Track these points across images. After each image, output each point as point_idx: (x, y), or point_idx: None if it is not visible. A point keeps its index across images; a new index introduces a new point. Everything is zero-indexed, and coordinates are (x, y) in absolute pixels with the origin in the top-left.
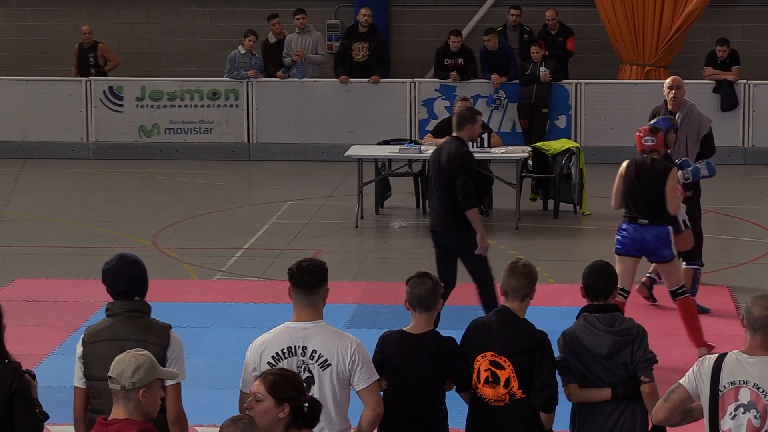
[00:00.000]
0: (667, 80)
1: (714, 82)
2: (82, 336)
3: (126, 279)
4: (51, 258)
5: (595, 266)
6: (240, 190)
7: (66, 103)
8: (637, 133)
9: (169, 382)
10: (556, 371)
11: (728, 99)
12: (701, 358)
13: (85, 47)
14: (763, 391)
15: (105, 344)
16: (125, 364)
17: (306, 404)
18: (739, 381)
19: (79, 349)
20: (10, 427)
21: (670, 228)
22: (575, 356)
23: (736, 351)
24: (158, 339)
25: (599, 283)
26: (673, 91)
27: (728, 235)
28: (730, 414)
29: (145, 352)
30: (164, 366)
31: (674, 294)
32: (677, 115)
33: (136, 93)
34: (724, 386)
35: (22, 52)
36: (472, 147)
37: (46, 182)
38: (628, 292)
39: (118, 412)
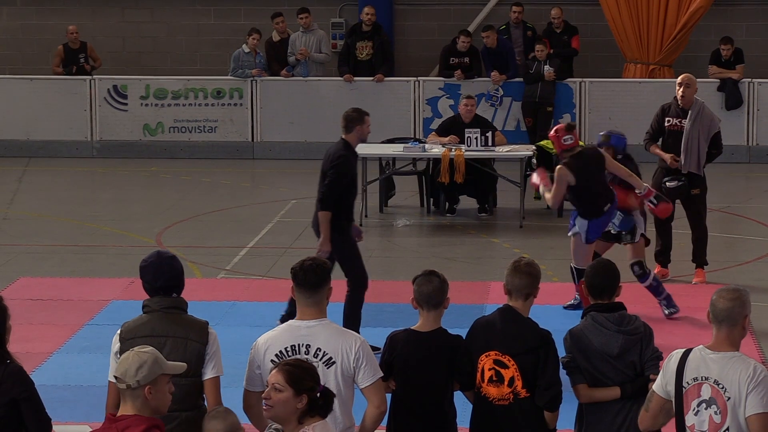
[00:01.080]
0: (680, 77)
1: (718, 80)
2: (119, 332)
3: (165, 275)
4: (55, 257)
5: (598, 264)
6: (244, 188)
7: (70, 101)
8: (553, 133)
9: (206, 377)
10: (564, 371)
11: (733, 97)
12: (669, 355)
13: (72, 48)
14: (723, 388)
15: (144, 340)
16: (129, 362)
17: (319, 394)
18: (701, 377)
19: (116, 345)
20: (10, 430)
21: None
22: (583, 356)
23: (701, 346)
24: (198, 336)
25: (604, 281)
26: (682, 89)
27: (733, 234)
28: (693, 410)
29: (148, 348)
30: (203, 362)
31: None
32: (689, 113)
33: (141, 92)
34: (687, 382)
35: (26, 50)
36: (477, 145)
37: (50, 181)
38: None
39: (126, 409)
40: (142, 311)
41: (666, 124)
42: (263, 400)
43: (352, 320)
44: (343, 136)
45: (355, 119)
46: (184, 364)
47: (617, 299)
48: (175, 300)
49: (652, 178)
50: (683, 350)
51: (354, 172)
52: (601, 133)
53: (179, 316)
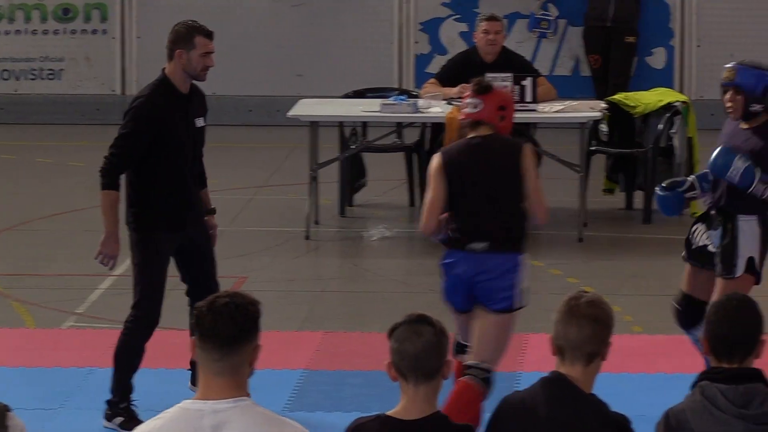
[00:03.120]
0: None
1: None
2: None
3: None
4: None
5: (728, 304)
6: None
7: None
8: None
9: None
10: None
11: None
12: None
13: None
14: None
15: None
16: None
17: None
18: None
19: None
20: None
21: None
22: None
23: None
24: None
25: (735, 331)
26: None
27: None
28: None
29: None
30: None
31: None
32: None
33: None
34: None
35: None
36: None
37: None
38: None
39: None
40: None
41: None
42: None
43: (116, 369)
44: (164, 68)
45: (181, 38)
46: None
47: (756, 361)
48: None
49: None
50: None
51: (181, 132)
52: (727, 66)
53: None
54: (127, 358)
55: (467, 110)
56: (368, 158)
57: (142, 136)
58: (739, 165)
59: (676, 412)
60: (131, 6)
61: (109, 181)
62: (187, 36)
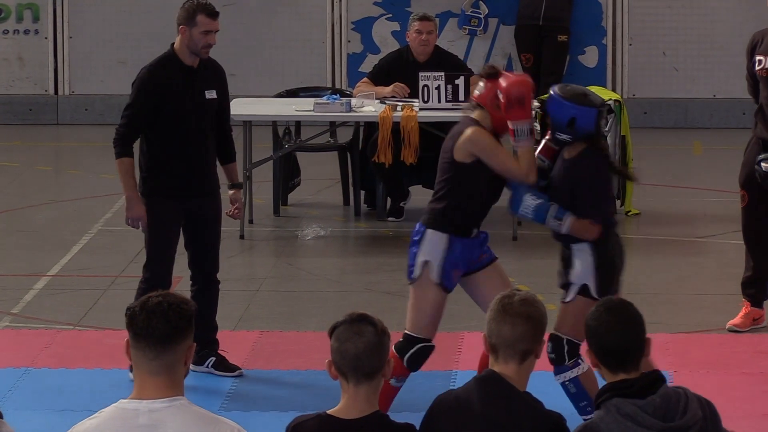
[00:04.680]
0: None
1: None
2: None
3: None
4: None
5: (607, 314)
6: (42, 175)
7: None
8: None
9: None
10: None
11: None
12: None
13: None
14: None
15: None
16: None
17: None
18: None
19: None
20: None
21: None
22: None
23: None
24: None
25: (625, 340)
26: None
27: None
28: None
29: None
30: None
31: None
32: None
33: None
34: None
35: None
36: (440, 100)
37: None
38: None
39: None
40: None
41: (756, 67)
42: None
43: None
44: (173, 42)
45: (184, 15)
46: None
47: (646, 362)
48: None
49: (744, 152)
50: None
51: (185, 102)
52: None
53: None
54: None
55: (474, 92)
56: (302, 157)
57: (144, 105)
58: (529, 203)
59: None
60: (63, 6)
61: (119, 150)
62: (191, 14)
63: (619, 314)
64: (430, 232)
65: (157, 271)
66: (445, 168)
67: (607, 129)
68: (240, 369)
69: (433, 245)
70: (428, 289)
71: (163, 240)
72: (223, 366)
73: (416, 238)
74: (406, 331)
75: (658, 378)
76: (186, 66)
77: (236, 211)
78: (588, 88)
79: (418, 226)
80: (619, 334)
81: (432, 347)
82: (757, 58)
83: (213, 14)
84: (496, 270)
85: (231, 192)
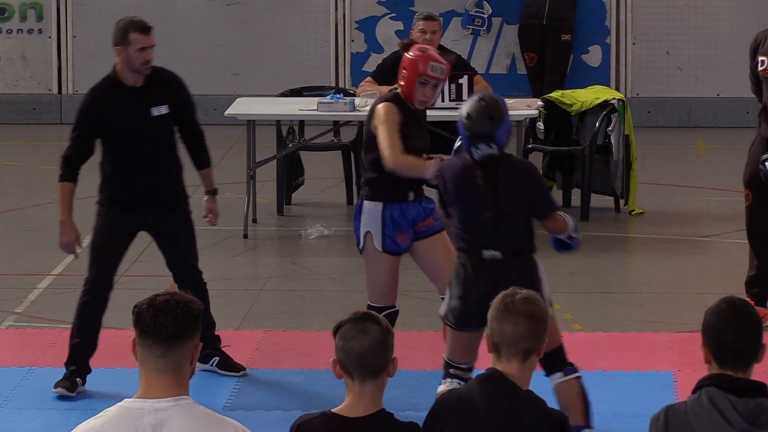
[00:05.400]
0: None
1: None
2: None
3: None
4: None
5: (728, 307)
6: (45, 174)
7: None
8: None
9: None
10: None
11: None
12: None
13: None
14: None
15: None
16: None
17: None
18: None
19: None
20: None
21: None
22: None
23: None
24: None
25: (741, 337)
26: None
27: None
28: None
29: None
30: None
31: None
32: None
33: None
34: None
35: None
36: (444, 99)
37: None
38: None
39: None
40: None
41: (759, 67)
42: None
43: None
44: (115, 63)
45: (117, 36)
46: None
47: (753, 372)
48: None
49: (748, 151)
50: None
51: (129, 122)
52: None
53: None
54: (76, 319)
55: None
56: (306, 157)
57: (86, 130)
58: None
59: (677, 412)
60: (67, 5)
61: (61, 173)
62: (123, 34)
63: (740, 312)
64: (366, 203)
65: (94, 274)
66: (370, 141)
67: (610, 128)
68: (244, 369)
69: (370, 215)
70: (376, 258)
71: (100, 245)
72: (228, 365)
73: (357, 213)
74: (369, 302)
75: (761, 388)
76: (127, 87)
77: (211, 218)
78: (591, 87)
79: (358, 200)
80: (738, 331)
81: (396, 312)
82: (760, 58)
83: (145, 30)
84: (441, 239)
85: (205, 199)
